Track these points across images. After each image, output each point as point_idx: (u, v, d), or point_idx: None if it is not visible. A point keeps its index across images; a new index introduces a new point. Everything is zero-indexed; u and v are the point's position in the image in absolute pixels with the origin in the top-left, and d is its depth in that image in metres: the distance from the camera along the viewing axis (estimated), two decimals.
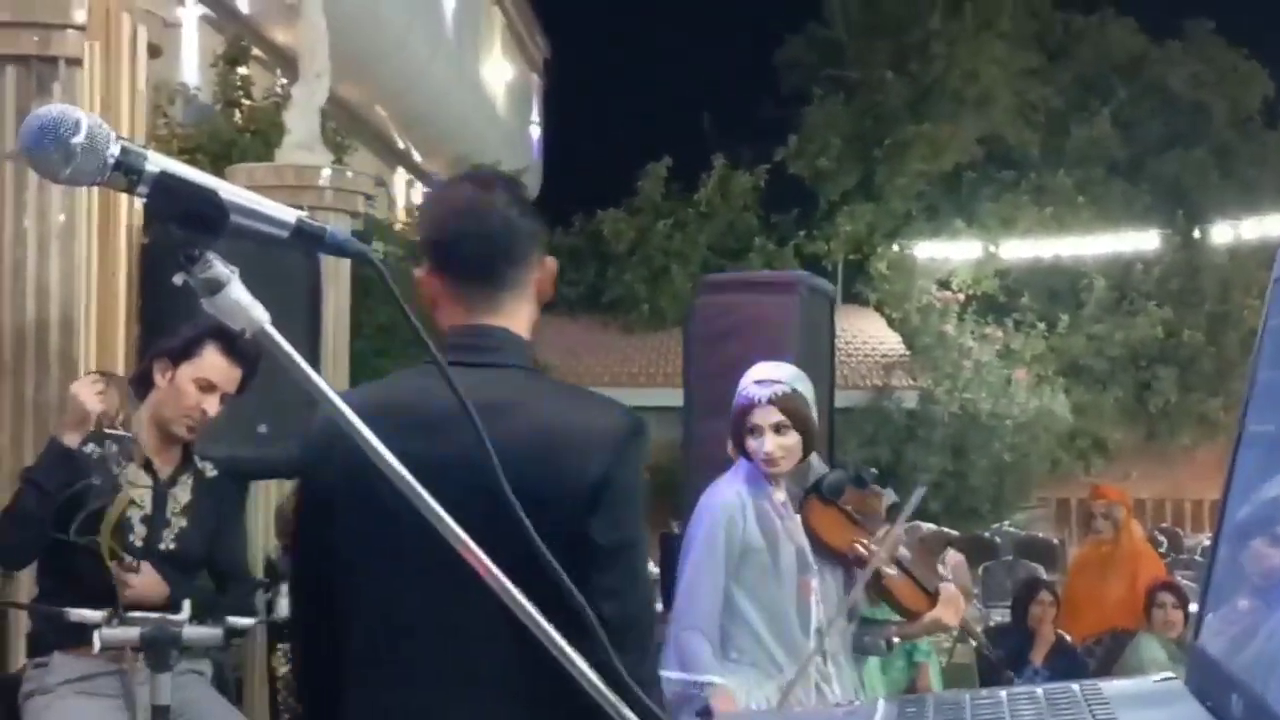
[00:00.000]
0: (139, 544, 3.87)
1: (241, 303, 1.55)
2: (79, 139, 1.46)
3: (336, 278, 6.76)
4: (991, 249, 25.88)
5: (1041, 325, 24.72)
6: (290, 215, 1.64)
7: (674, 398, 7.10)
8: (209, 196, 1.55)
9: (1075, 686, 1.56)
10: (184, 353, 3.91)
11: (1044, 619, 7.52)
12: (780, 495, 4.07)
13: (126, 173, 1.51)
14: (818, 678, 3.93)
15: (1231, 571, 1.62)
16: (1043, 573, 12.80)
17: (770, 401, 4.00)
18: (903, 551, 4.16)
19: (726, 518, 3.96)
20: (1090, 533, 8.72)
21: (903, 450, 21.74)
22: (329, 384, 1.62)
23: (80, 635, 3.57)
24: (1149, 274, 26.24)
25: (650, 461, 2.33)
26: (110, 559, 3.70)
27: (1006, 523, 21.70)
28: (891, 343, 23.95)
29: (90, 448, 3.80)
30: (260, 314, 1.55)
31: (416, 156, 22.74)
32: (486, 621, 1.92)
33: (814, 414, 4.08)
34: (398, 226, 16.50)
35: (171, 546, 3.94)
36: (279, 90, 12.36)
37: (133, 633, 3.49)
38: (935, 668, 6.80)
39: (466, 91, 23.34)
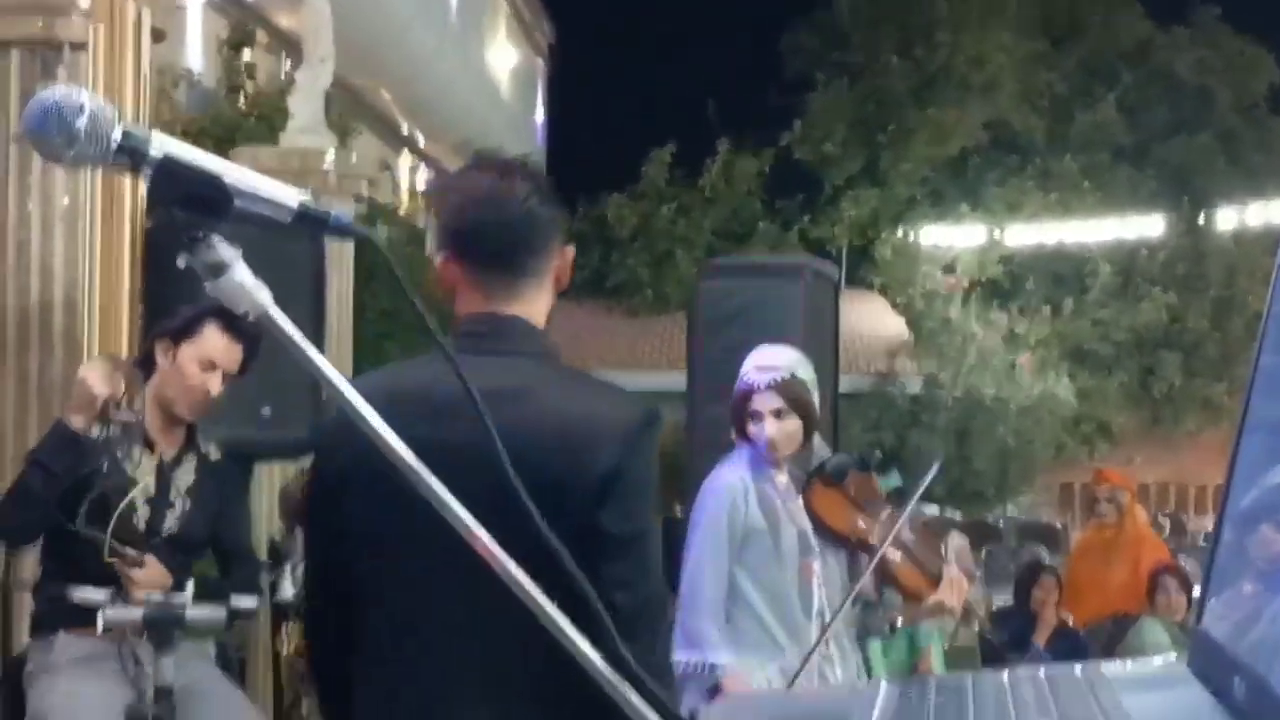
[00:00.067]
0: (142, 526, 3.88)
1: (245, 285, 1.55)
2: (82, 121, 1.46)
3: (340, 262, 6.76)
4: (996, 234, 25.84)
5: (1046, 310, 24.70)
6: (294, 198, 1.63)
7: (678, 382, 7.10)
8: (212, 179, 1.55)
9: (1077, 668, 1.56)
10: (184, 332, 3.91)
11: (1047, 603, 7.52)
12: (782, 479, 4.07)
13: (130, 155, 1.51)
14: (820, 660, 3.94)
15: (1235, 556, 1.62)
16: (1046, 557, 12.80)
17: (770, 387, 4.00)
18: (906, 534, 4.16)
19: (729, 501, 3.97)
20: (1094, 517, 8.73)
21: (907, 435, 21.75)
22: (332, 368, 1.62)
23: (83, 616, 3.58)
24: (1154, 259, 26.20)
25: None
26: (110, 556, 3.71)
27: (1010, 507, 21.73)
28: (896, 328, 23.92)
29: (96, 431, 3.81)
30: (264, 296, 1.55)
31: (421, 141, 22.71)
32: (497, 611, 1.89)
33: (815, 398, 4.08)
34: (401, 210, 16.48)
35: (174, 528, 3.95)
36: (283, 75, 12.35)
37: (136, 613, 3.50)
38: (938, 651, 6.79)
39: (471, 76, 23.31)
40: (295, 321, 1.56)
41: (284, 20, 14.73)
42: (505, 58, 27.03)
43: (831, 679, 3.94)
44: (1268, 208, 25.33)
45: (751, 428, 4.03)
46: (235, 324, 3.86)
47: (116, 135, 1.49)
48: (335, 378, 1.59)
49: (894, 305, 24.80)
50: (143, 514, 3.90)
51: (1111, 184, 26.59)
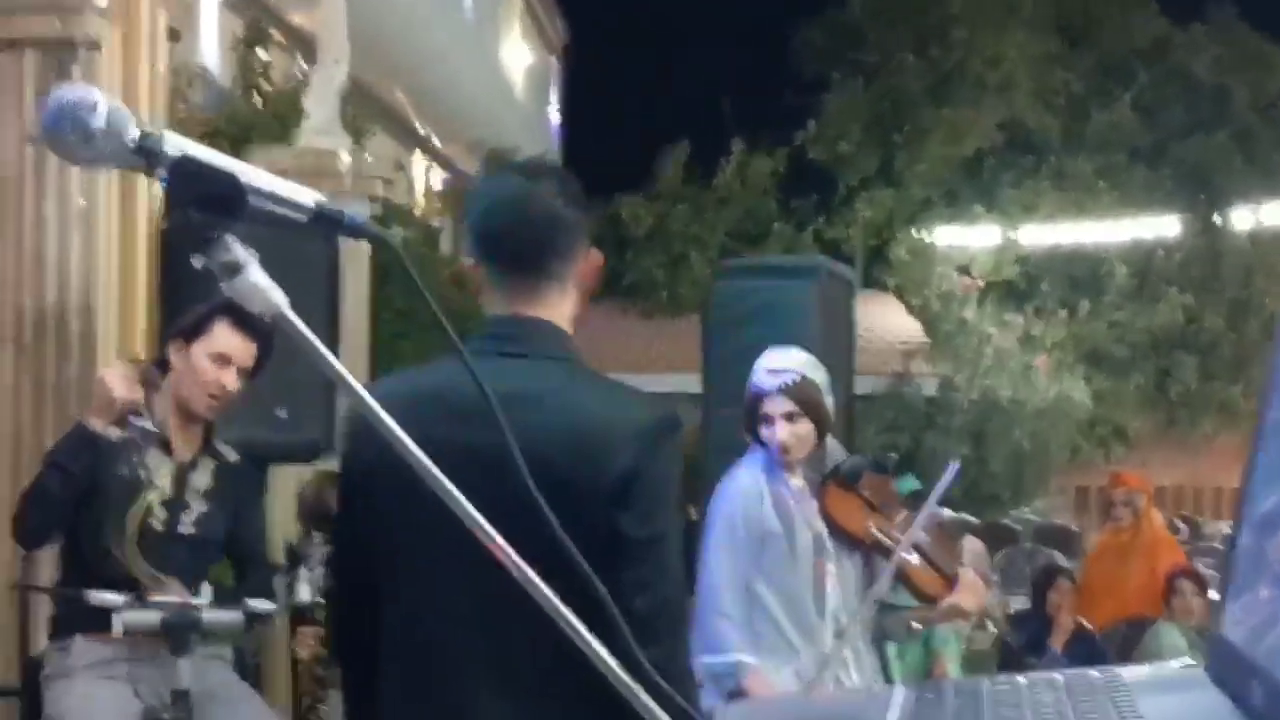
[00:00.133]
0: (159, 527, 3.89)
1: (260, 285, 1.55)
2: (98, 121, 1.46)
3: (355, 262, 6.76)
4: (1012, 235, 25.78)
5: (1062, 312, 24.63)
6: (309, 198, 1.64)
7: (693, 384, 7.09)
8: (228, 179, 1.55)
9: (1094, 673, 1.55)
10: (196, 330, 3.93)
11: (1063, 606, 7.49)
12: (797, 481, 4.07)
13: (145, 155, 1.51)
14: (834, 663, 3.93)
15: (1253, 560, 1.61)
16: (1062, 560, 12.77)
17: (781, 391, 4.00)
18: (921, 537, 4.15)
19: (744, 504, 3.97)
20: (1110, 520, 8.71)
21: (922, 437, 21.70)
22: (347, 369, 1.62)
23: (101, 619, 3.59)
24: (1170, 260, 26.12)
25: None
26: (132, 573, 3.72)
27: (1026, 510, 21.66)
28: (911, 329, 23.87)
29: (115, 433, 3.82)
30: (278, 297, 1.55)
31: (435, 141, 22.72)
32: (510, 608, 1.90)
33: (827, 400, 4.07)
34: (416, 211, 16.49)
35: (191, 530, 3.96)
36: (298, 74, 12.36)
37: (153, 617, 3.51)
38: (955, 654, 6.78)
39: (485, 76, 23.31)
40: (310, 322, 1.56)
41: (299, 20, 14.74)
42: (519, 57, 27.03)
43: (846, 682, 3.93)
44: None
45: (763, 431, 4.03)
46: (246, 320, 3.86)
47: (132, 135, 1.49)
48: (348, 378, 1.59)
49: (909, 307, 24.74)
50: (159, 516, 3.90)
51: (1127, 184, 26.51)
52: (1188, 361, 25.59)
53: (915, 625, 4.33)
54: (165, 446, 3.94)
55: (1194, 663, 1.67)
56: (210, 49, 13.80)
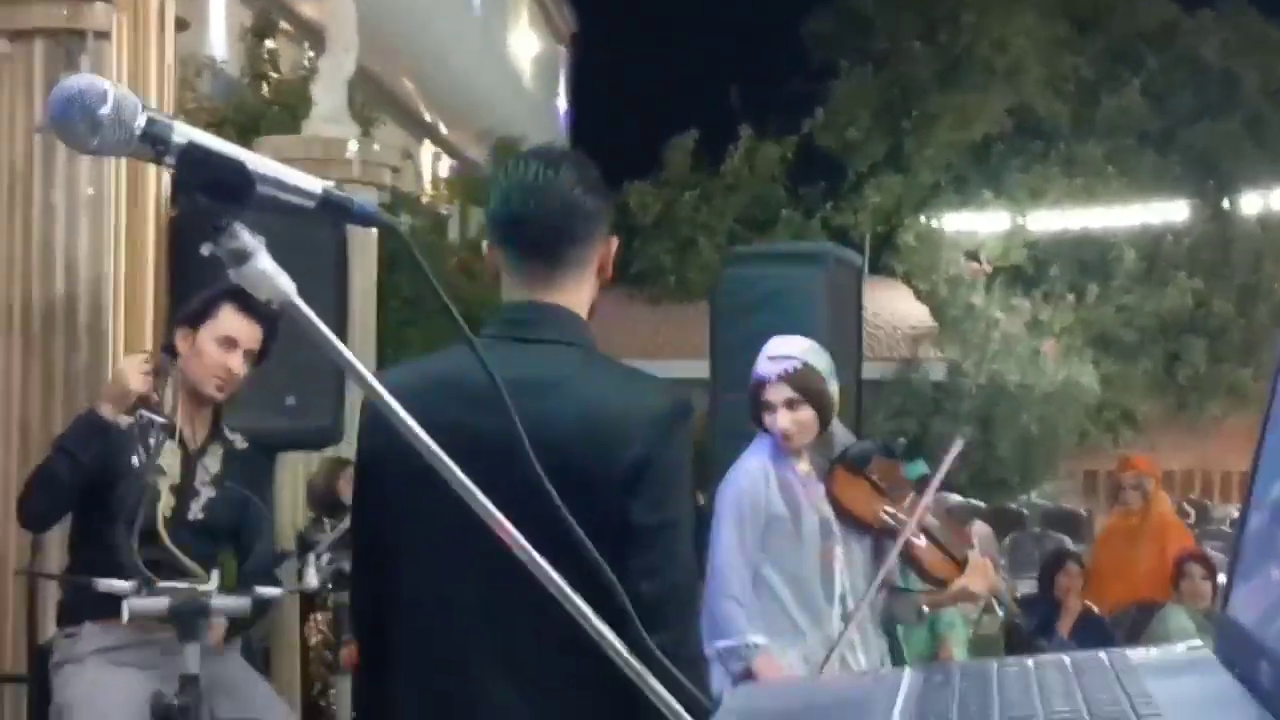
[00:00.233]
0: (168, 514, 3.90)
1: (268, 273, 1.55)
2: (106, 110, 1.47)
3: (363, 250, 6.77)
4: (1020, 220, 25.73)
5: (1070, 296, 24.59)
6: (317, 186, 1.64)
7: (701, 370, 7.09)
8: (236, 166, 1.55)
9: (1103, 655, 1.55)
10: (201, 315, 3.94)
11: (1071, 590, 7.49)
12: (803, 466, 4.08)
13: (153, 143, 1.52)
14: (842, 646, 3.94)
15: (1262, 542, 1.61)
16: (1070, 544, 12.77)
17: (781, 378, 4.01)
18: (930, 520, 4.16)
19: (750, 488, 3.99)
20: (1118, 504, 8.70)
21: (930, 422, 21.69)
22: (356, 356, 1.62)
23: (110, 605, 3.60)
24: (1179, 244, 26.06)
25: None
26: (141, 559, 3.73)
27: (1034, 494, 21.66)
28: (919, 315, 23.85)
29: (125, 422, 3.84)
30: (286, 284, 1.56)
31: (443, 129, 22.72)
32: (526, 601, 1.89)
33: (829, 386, 4.08)
34: (424, 199, 16.49)
35: (200, 516, 3.97)
36: (306, 63, 12.36)
37: (162, 602, 3.52)
38: (960, 639, 6.78)
39: (493, 64, 23.32)
40: (318, 310, 1.57)
41: (307, 9, 14.75)
42: (527, 45, 27.03)
43: (854, 665, 3.94)
44: None
45: (765, 418, 4.05)
46: (250, 304, 3.88)
47: (140, 123, 1.50)
48: (356, 365, 1.59)
49: (917, 292, 24.71)
50: (168, 503, 3.92)
51: (1136, 169, 26.45)
52: (1196, 345, 25.53)
53: (925, 608, 4.34)
54: (175, 434, 3.95)
55: (1202, 645, 1.67)
56: (219, 39, 13.82)
